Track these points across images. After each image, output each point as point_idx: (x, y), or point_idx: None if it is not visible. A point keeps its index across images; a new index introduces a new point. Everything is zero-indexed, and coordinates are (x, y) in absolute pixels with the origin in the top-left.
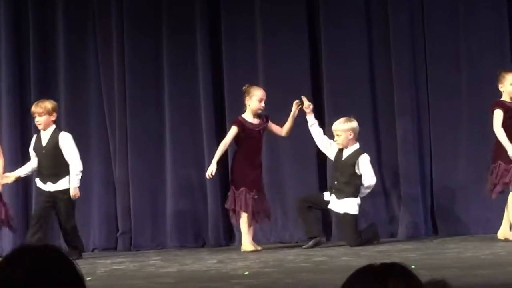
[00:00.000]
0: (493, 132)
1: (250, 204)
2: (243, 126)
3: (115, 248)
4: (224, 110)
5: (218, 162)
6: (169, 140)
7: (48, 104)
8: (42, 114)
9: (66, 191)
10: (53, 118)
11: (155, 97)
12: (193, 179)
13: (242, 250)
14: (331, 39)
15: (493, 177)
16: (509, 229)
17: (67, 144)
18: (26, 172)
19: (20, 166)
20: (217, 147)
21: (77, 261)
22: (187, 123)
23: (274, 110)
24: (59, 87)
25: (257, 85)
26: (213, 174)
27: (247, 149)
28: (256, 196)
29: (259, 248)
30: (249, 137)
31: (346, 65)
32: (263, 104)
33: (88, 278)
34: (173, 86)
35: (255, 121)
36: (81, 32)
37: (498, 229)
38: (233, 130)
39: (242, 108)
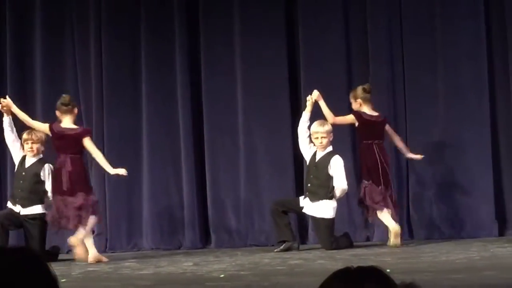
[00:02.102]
0: (467, 136)
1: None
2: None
3: None
4: (202, 112)
5: None
6: (146, 142)
7: (42, 135)
8: (36, 142)
9: (37, 216)
10: (42, 149)
11: (132, 99)
12: (169, 181)
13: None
14: (309, 45)
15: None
16: None
17: (50, 176)
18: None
19: None
20: (195, 149)
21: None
22: (164, 125)
23: (252, 112)
24: (36, 87)
25: (235, 88)
26: None
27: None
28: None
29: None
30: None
31: (324, 70)
32: None
33: (62, 280)
34: (150, 88)
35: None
36: (58, 33)
37: (473, 234)
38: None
39: (219, 110)
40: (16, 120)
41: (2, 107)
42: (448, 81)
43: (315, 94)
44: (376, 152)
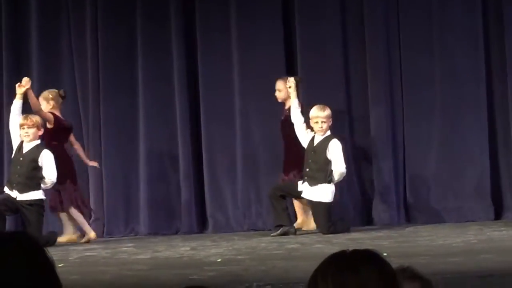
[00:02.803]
0: (464, 121)
1: None
2: None
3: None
4: (198, 97)
5: None
6: (142, 128)
7: (38, 119)
8: (32, 126)
9: (33, 202)
10: (40, 133)
11: (129, 85)
12: (166, 166)
13: None
14: (305, 29)
15: None
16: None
17: (49, 162)
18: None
19: None
20: (191, 134)
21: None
22: (161, 111)
23: (249, 96)
24: (32, 74)
25: (232, 73)
26: None
27: None
28: None
29: None
30: None
31: (320, 55)
32: None
33: (60, 265)
34: (147, 74)
35: None
36: (54, 19)
37: (469, 218)
38: None
39: (215, 95)
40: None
41: (20, 85)
42: (445, 66)
43: (291, 80)
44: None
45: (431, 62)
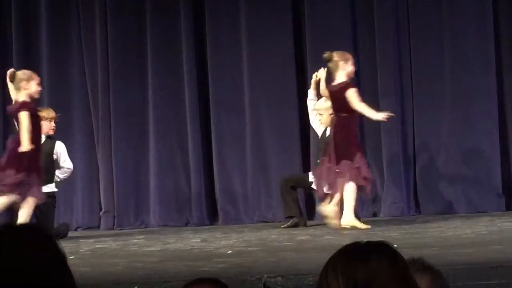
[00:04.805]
0: (474, 112)
1: None
2: None
3: (98, 227)
4: (208, 89)
5: None
6: (152, 120)
7: (51, 113)
8: (47, 119)
9: (48, 195)
10: (53, 124)
11: (138, 77)
12: (176, 158)
13: None
14: (315, 21)
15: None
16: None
17: (64, 152)
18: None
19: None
20: (201, 126)
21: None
22: (170, 102)
23: (258, 88)
24: (42, 66)
25: (241, 64)
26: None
27: None
28: None
29: None
30: None
31: (330, 47)
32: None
33: (71, 257)
34: (156, 65)
35: None
36: (64, 12)
37: (480, 209)
38: None
39: (225, 86)
40: None
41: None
42: (455, 57)
43: (321, 72)
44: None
45: (441, 53)
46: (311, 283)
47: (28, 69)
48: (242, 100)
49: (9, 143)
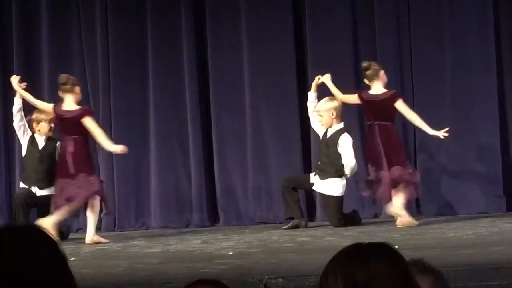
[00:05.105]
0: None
1: None
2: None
3: (99, 229)
4: (209, 90)
5: None
6: (153, 121)
7: (51, 114)
8: (51, 121)
9: (52, 196)
10: (52, 125)
11: (139, 77)
12: (177, 159)
13: None
14: (315, 22)
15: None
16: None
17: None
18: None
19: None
20: (202, 127)
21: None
22: (171, 103)
23: (259, 89)
24: (42, 67)
25: (242, 65)
26: None
27: None
28: None
29: None
30: None
31: (330, 47)
32: None
33: (71, 259)
34: (157, 66)
35: None
36: (65, 12)
37: (481, 210)
38: None
39: (225, 87)
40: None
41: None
42: (455, 56)
43: (325, 77)
44: (373, 133)
45: (441, 54)
46: (312, 284)
47: (29, 69)
48: (242, 101)
49: (67, 148)
